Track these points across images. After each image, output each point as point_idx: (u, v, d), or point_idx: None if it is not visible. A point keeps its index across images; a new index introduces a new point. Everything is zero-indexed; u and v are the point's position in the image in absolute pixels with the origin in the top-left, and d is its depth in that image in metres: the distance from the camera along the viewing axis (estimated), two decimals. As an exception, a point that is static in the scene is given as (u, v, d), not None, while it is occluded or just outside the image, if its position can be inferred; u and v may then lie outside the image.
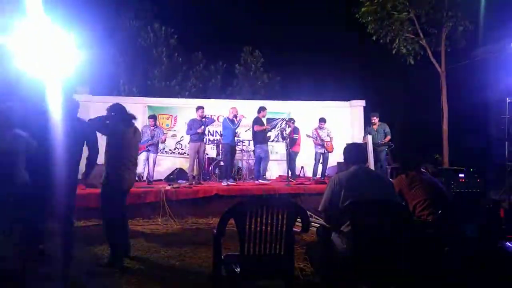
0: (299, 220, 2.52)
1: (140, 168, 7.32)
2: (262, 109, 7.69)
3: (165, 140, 7.79)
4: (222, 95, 15.00)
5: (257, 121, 7.55)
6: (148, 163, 7.46)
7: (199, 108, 7.44)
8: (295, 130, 8.24)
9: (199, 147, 7.27)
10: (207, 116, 7.62)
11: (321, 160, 8.18)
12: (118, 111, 3.70)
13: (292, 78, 15.74)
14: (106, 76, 13.23)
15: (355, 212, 2.48)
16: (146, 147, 7.36)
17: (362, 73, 14.47)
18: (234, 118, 7.34)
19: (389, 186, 2.81)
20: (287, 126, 8.31)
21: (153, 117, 7.69)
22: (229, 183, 7.05)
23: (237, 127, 7.38)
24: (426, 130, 11.53)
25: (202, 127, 7.25)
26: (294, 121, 8.47)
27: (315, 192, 6.51)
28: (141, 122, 8.30)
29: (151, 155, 7.44)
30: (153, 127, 7.56)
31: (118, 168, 3.57)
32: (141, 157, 7.30)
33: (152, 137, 7.45)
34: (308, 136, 8.07)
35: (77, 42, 5.22)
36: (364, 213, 2.47)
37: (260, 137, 7.51)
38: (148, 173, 7.43)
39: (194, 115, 7.51)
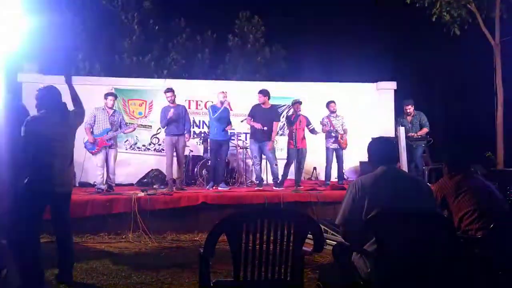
0: (310, 236, 2.52)
1: (97, 173, 7.12)
2: (262, 93, 7.70)
3: (133, 130, 7.59)
4: (212, 75, 14.96)
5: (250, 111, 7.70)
6: (107, 163, 7.11)
7: (168, 91, 7.38)
8: (306, 120, 8.06)
9: (177, 142, 7.26)
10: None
11: (334, 159, 8.17)
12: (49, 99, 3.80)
13: (302, 53, 15.70)
14: (61, 49, 13.17)
15: (382, 226, 2.49)
16: (107, 140, 7.02)
17: (393, 47, 14.46)
18: (221, 105, 7.36)
19: (426, 192, 2.82)
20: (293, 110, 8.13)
21: (112, 95, 7.25)
22: (220, 188, 7.07)
23: (218, 115, 7.35)
24: (475, 121, 11.55)
25: (172, 110, 7.18)
26: (301, 102, 8.09)
27: (330, 201, 6.56)
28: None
29: (111, 152, 7.10)
30: (111, 110, 7.18)
31: (42, 168, 3.69)
32: (99, 157, 7.03)
33: (112, 124, 7.09)
34: (322, 124, 8.03)
35: (23, 6, 5.20)
36: (394, 227, 2.47)
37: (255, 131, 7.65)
38: (108, 176, 7.14)
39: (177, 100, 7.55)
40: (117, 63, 14.46)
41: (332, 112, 8.20)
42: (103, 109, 7.19)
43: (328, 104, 8.26)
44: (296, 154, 7.62)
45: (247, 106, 7.98)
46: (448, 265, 2.47)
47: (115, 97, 7.38)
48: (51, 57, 11.90)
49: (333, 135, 8.05)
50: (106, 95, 7.26)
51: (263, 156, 7.76)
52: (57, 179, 3.78)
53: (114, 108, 7.43)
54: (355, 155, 8.49)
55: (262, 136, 7.53)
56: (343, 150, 8.18)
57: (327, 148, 8.18)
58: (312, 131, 7.98)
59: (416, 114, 8.13)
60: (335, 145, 8.10)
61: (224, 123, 7.49)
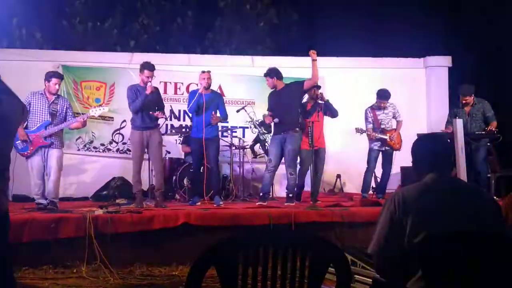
0: (332, 270, 2.53)
1: (33, 182, 7.08)
2: (269, 75, 7.73)
3: (83, 124, 7.39)
4: (196, 47, 14.97)
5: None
6: (47, 170, 7.06)
7: (146, 67, 7.34)
8: (328, 107, 8.04)
9: (149, 138, 7.27)
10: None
11: (378, 163, 8.18)
12: None
13: (321, 17, 15.71)
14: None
15: (431, 256, 2.50)
16: (45, 138, 6.94)
17: (446, 10, 14.46)
18: (204, 91, 7.38)
19: (492, 209, 2.83)
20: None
21: (57, 77, 7.14)
22: (214, 203, 7.16)
23: (194, 105, 7.42)
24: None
25: (150, 84, 7.21)
26: (319, 87, 8.20)
27: (361, 221, 6.56)
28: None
29: (53, 154, 7.02)
30: (52, 96, 7.10)
31: None
32: (34, 161, 6.97)
33: (53, 115, 7.04)
34: (359, 131, 8.04)
35: None
36: (448, 257, 2.48)
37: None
38: (49, 187, 7.05)
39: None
40: (66, 31, 14.47)
41: (380, 107, 8.27)
42: (41, 94, 7.10)
43: (378, 95, 8.29)
44: (313, 156, 7.64)
45: (244, 90, 8.01)
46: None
47: (61, 79, 7.29)
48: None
49: (377, 136, 8.11)
50: (50, 76, 7.13)
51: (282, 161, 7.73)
52: None
53: (59, 93, 7.38)
54: (396, 157, 8.50)
55: (282, 127, 7.53)
56: (396, 151, 8.23)
57: (371, 149, 8.28)
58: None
59: (478, 103, 8.04)
60: (381, 146, 8.21)
61: (209, 114, 7.47)
